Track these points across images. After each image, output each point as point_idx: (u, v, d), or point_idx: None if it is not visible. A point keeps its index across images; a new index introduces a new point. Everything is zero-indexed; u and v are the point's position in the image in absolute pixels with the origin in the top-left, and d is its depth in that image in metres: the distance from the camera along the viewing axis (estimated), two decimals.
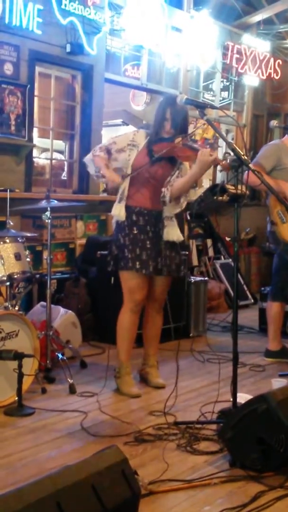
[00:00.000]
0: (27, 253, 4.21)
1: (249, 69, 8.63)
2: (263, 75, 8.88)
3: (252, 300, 7.34)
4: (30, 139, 5.76)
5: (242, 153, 3.28)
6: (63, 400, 3.86)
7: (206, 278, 6.18)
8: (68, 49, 6.01)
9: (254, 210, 8.12)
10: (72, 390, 4.00)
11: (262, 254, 8.29)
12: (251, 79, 8.80)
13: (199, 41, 7.66)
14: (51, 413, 3.63)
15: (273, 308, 4.96)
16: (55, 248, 5.67)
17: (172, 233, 3.98)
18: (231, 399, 3.31)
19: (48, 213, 4.26)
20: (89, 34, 6.17)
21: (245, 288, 7.46)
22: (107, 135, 5.87)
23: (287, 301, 5.09)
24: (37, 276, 4.57)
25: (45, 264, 4.90)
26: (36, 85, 5.95)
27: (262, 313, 5.79)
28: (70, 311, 4.86)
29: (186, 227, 7.25)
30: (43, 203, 4.30)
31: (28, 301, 5.14)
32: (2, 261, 4.00)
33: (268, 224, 4.81)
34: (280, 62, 9.13)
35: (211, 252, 7.61)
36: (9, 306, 4.03)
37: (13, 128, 5.52)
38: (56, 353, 4.28)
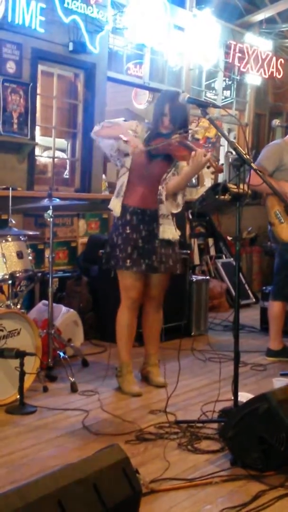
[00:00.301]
0: (29, 251, 4.21)
1: (251, 68, 8.63)
2: (265, 74, 8.87)
3: (254, 299, 7.33)
4: (33, 137, 5.77)
5: (244, 152, 3.28)
6: (64, 399, 3.87)
7: (207, 277, 6.18)
8: (71, 47, 6.01)
9: (256, 209, 8.11)
10: (73, 388, 4.01)
11: (264, 253, 8.28)
12: (253, 78, 8.79)
13: (202, 40, 7.66)
14: (53, 411, 3.64)
15: (275, 307, 4.96)
16: (57, 246, 5.67)
17: (168, 231, 3.98)
18: (232, 398, 3.31)
19: (50, 212, 4.26)
20: (91, 33, 6.17)
21: (247, 287, 7.46)
22: None
23: None
24: (39, 274, 4.57)
25: (47, 263, 4.89)
26: (38, 83, 5.96)
27: (264, 312, 5.79)
28: (71, 310, 4.87)
29: (187, 226, 7.24)
30: (45, 202, 4.30)
31: (30, 299, 5.15)
32: (4, 259, 4.00)
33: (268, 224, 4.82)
34: (283, 61, 9.12)
35: (212, 251, 7.61)
36: (11, 304, 4.04)
37: (15, 126, 5.52)
38: (58, 352, 4.29)
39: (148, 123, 4.13)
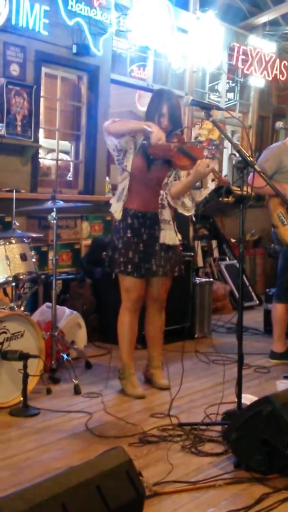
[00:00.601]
0: (32, 253, 4.21)
1: (255, 70, 8.62)
2: (269, 76, 8.87)
3: (257, 302, 7.33)
4: (36, 140, 5.77)
5: (247, 154, 3.28)
6: (68, 401, 3.87)
7: (211, 279, 6.18)
8: (74, 50, 6.01)
9: (260, 212, 8.08)
10: (77, 390, 4.00)
11: (267, 255, 8.28)
12: (257, 80, 8.78)
13: (205, 42, 7.66)
14: (56, 413, 3.64)
15: (278, 309, 4.95)
16: (61, 248, 5.68)
17: (168, 236, 3.99)
18: (236, 401, 3.31)
19: (53, 214, 4.26)
20: (95, 35, 6.18)
21: (250, 289, 7.46)
22: None
23: None
24: (43, 276, 4.58)
25: (50, 265, 4.90)
26: (42, 86, 5.96)
27: (267, 314, 5.78)
28: (75, 312, 4.87)
29: (191, 228, 7.24)
30: (49, 204, 4.31)
31: (33, 301, 5.15)
32: (8, 261, 4.01)
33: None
34: (286, 63, 9.11)
35: (216, 253, 7.60)
36: (15, 306, 4.04)
37: (19, 128, 5.52)
38: (61, 354, 4.29)
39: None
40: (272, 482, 2.79)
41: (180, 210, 4.02)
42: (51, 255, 4.68)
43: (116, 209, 3.99)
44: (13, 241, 4.10)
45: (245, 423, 2.90)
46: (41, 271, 4.73)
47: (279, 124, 5.22)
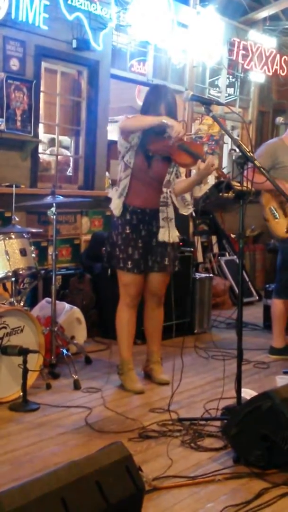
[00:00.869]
0: (32, 249, 4.21)
1: (255, 66, 8.60)
2: (269, 71, 8.85)
3: (257, 297, 7.33)
4: (36, 134, 5.76)
5: (247, 150, 3.27)
6: (67, 396, 3.87)
7: (211, 275, 6.18)
8: (74, 44, 6.00)
9: (259, 207, 8.09)
10: (76, 386, 4.01)
11: (267, 251, 8.28)
12: (257, 76, 8.76)
13: (205, 37, 7.64)
14: (56, 408, 3.64)
15: (277, 305, 4.95)
16: (60, 244, 5.67)
17: (167, 234, 3.98)
18: (235, 396, 3.31)
19: (53, 209, 4.26)
20: (95, 30, 6.16)
21: (250, 285, 7.46)
22: (113, 131, 5.86)
23: None
24: (42, 272, 4.57)
25: (50, 260, 4.89)
26: (42, 80, 5.95)
27: (267, 310, 5.78)
28: (75, 307, 4.87)
29: (191, 224, 7.24)
30: (49, 199, 4.30)
31: (33, 296, 5.15)
32: (7, 256, 4.01)
33: None
34: (286, 59, 9.09)
35: (216, 249, 7.60)
36: (14, 301, 4.05)
37: (19, 123, 5.52)
38: (61, 349, 4.29)
39: None
40: (271, 477, 2.79)
41: (179, 207, 4.01)
42: (50, 250, 4.68)
43: (117, 206, 3.99)
44: (13, 236, 4.10)
45: (245, 418, 2.91)
46: (40, 266, 4.73)
47: (279, 119, 5.21)
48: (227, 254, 7.60)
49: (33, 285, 4.70)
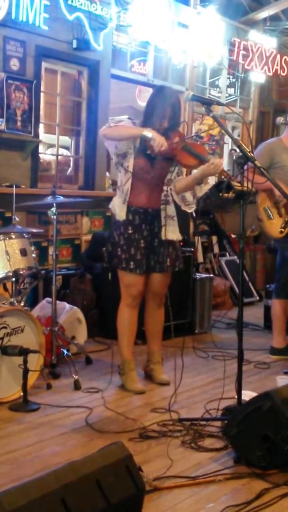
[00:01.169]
0: (32, 249, 4.21)
1: (255, 66, 8.60)
2: (269, 71, 8.85)
3: (257, 297, 7.33)
4: (36, 135, 5.76)
5: (248, 150, 3.27)
6: (68, 396, 3.87)
7: (211, 275, 6.18)
8: (75, 44, 6.00)
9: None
10: (77, 386, 4.01)
11: (268, 251, 8.27)
12: (258, 76, 8.77)
13: (206, 37, 7.64)
14: (56, 408, 3.64)
15: (277, 305, 4.95)
16: (61, 244, 5.67)
17: (171, 233, 3.98)
18: (236, 396, 3.31)
19: (53, 209, 4.26)
20: (95, 30, 6.16)
21: (250, 285, 7.46)
22: None
23: None
24: (43, 272, 4.57)
25: (50, 260, 4.89)
26: (42, 80, 5.96)
27: (267, 310, 5.78)
28: (75, 307, 4.87)
29: (191, 224, 7.24)
30: (49, 199, 4.30)
31: (33, 297, 5.15)
32: (8, 256, 4.01)
33: None
34: (287, 59, 9.09)
35: (216, 249, 7.60)
36: (15, 301, 4.04)
37: (19, 123, 5.52)
38: (61, 349, 4.29)
39: (140, 121, 4.02)
40: (272, 478, 2.79)
41: (181, 205, 4.02)
42: (51, 250, 4.68)
43: (121, 211, 3.94)
44: (13, 236, 4.10)
45: (245, 418, 2.90)
46: (41, 266, 4.73)
47: (280, 119, 5.20)
48: (227, 254, 7.60)
49: (34, 285, 4.70)
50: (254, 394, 3.34)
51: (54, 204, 4.26)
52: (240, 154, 3.35)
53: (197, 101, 3.63)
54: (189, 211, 4.07)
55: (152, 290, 4.12)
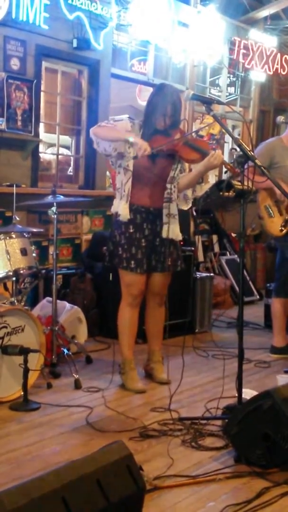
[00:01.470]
0: (33, 248, 4.21)
1: (255, 65, 8.60)
2: (270, 70, 8.85)
3: (258, 296, 7.33)
4: (37, 134, 5.77)
5: (248, 149, 3.27)
6: (68, 395, 3.87)
7: (211, 274, 6.18)
8: (75, 44, 6.00)
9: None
10: (77, 385, 4.01)
11: (268, 250, 8.27)
12: (258, 75, 8.77)
13: (206, 36, 7.64)
14: (57, 408, 3.64)
15: (277, 304, 4.95)
16: (61, 243, 5.67)
17: (172, 231, 3.97)
18: (236, 395, 3.31)
19: (54, 209, 4.26)
20: (95, 29, 6.16)
21: (251, 284, 7.46)
22: None
23: None
24: (43, 271, 4.58)
25: (51, 260, 4.90)
26: (42, 80, 5.96)
27: (268, 309, 5.78)
28: (75, 307, 4.87)
29: (192, 223, 7.24)
30: (49, 199, 4.30)
31: (34, 296, 5.15)
32: (8, 256, 4.01)
33: None
34: (287, 58, 9.09)
35: (216, 248, 7.60)
36: (15, 301, 4.04)
37: (19, 123, 5.52)
38: (62, 348, 4.29)
39: (140, 120, 4.02)
40: (272, 476, 2.79)
41: (180, 203, 4.01)
42: (51, 249, 4.69)
43: (125, 210, 3.91)
44: (14, 236, 4.10)
45: (246, 417, 2.91)
46: (41, 265, 4.73)
47: (280, 118, 5.21)
48: (228, 253, 7.60)
49: (34, 285, 4.70)
50: (254, 393, 3.34)
51: (55, 204, 4.27)
52: (241, 153, 3.35)
53: (197, 100, 3.63)
54: (185, 208, 4.06)
55: (153, 290, 4.12)
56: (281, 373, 4.35)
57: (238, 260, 6.97)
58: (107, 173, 6.91)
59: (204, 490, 2.70)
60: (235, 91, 8.83)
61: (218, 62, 8.21)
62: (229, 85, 8.71)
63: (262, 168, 3.26)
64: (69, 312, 4.75)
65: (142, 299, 4.13)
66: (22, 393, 3.63)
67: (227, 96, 8.61)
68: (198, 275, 5.76)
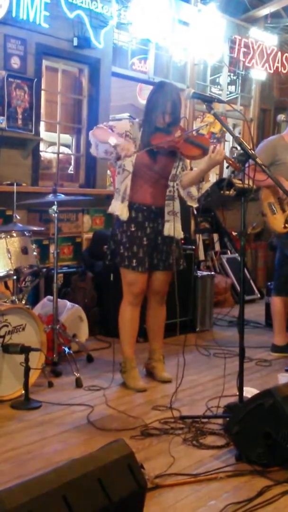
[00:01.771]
0: (34, 247, 4.21)
1: (256, 63, 8.60)
2: (270, 69, 8.85)
3: (259, 295, 7.32)
4: (37, 133, 5.76)
5: (249, 147, 3.26)
6: (69, 394, 3.87)
7: (212, 273, 6.18)
8: (75, 42, 6.00)
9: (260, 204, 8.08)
10: (78, 384, 4.01)
11: (269, 248, 8.26)
12: (258, 73, 8.76)
13: (207, 34, 7.64)
14: (58, 406, 3.64)
15: (277, 302, 4.95)
16: (62, 242, 5.67)
17: (172, 229, 3.96)
18: (237, 394, 3.31)
19: (55, 207, 4.26)
20: (96, 28, 6.16)
21: (252, 282, 7.45)
22: None
23: None
24: (44, 270, 4.57)
25: (51, 258, 4.90)
26: (43, 78, 5.95)
27: (269, 307, 5.77)
28: (76, 305, 4.87)
29: (192, 222, 7.24)
30: (50, 197, 4.30)
31: (35, 295, 5.15)
32: (9, 255, 4.01)
33: None
34: None
35: (217, 247, 7.60)
36: (16, 300, 4.04)
37: (20, 122, 5.52)
38: (63, 347, 4.29)
39: (140, 119, 4.02)
40: (274, 475, 2.79)
41: (186, 199, 4.00)
42: (52, 248, 4.69)
43: (122, 210, 3.91)
44: (14, 235, 4.10)
45: (247, 416, 2.91)
46: (42, 264, 4.73)
47: (281, 117, 5.20)
48: (228, 252, 7.60)
49: (35, 283, 4.70)
50: (255, 391, 3.34)
51: (55, 202, 4.26)
52: (241, 151, 3.35)
53: (198, 98, 3.63)
54: (194, 205, 4.05)
55: (154, 289, 4.12)
56: (282, 371, 4.36)
57: (239, 258, 6.97)
58: (108, 171, 6.91)
59: (205, 489, 2.70)
60: (235, 90, 8.83)
61: (219, 61, 8.21)
62: (229, 83, 8.71)
63: (263, 166, 3.26)
64: (70, 311, 4.75)
65: (143, 298, 4.13)
66: (23, 391, 3.63)
67: (227, 94, 8.61)
68: (199, 274, 5.76)
